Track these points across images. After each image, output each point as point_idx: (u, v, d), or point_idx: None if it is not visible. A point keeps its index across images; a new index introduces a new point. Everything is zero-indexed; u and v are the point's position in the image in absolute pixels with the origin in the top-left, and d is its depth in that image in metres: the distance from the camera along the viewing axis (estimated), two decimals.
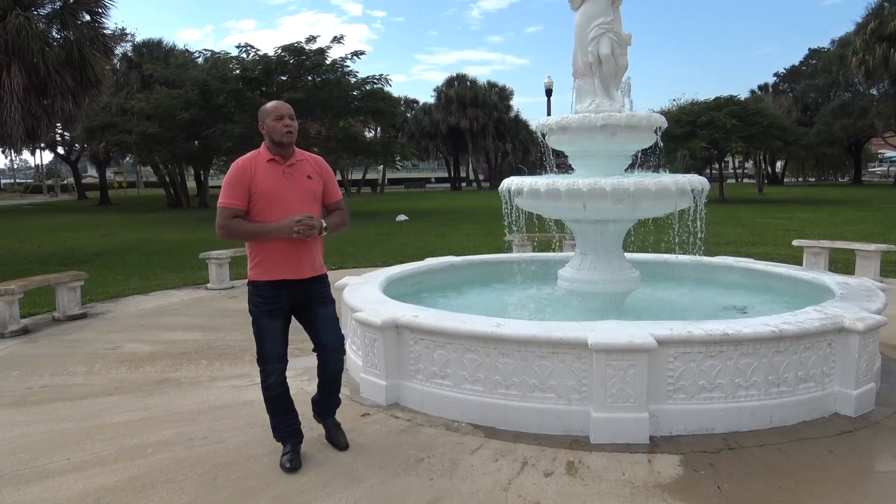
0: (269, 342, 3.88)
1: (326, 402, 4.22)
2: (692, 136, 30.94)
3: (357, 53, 26.99)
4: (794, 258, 10.72)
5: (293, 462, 3.88)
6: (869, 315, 4.65)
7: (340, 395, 5.06)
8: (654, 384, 4.21)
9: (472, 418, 4.50)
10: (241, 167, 3.76)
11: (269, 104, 3.85)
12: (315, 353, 4.04)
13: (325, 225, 3.82)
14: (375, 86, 27.61)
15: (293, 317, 3.99)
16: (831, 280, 6.05)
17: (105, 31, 16.62)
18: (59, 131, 36.64)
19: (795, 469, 3.81)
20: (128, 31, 35.02)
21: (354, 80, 27.01)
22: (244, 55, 25.95)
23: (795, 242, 11.06)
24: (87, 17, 16.15)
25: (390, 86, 28.09)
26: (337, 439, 4.16)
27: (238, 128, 24.45)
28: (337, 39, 26.43)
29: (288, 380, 5.52)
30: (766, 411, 4.34)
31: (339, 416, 4.39)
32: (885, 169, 68.38)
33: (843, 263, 10.65)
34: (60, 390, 5.47)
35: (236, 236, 3.78)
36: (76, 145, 45.35)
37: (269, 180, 3.74)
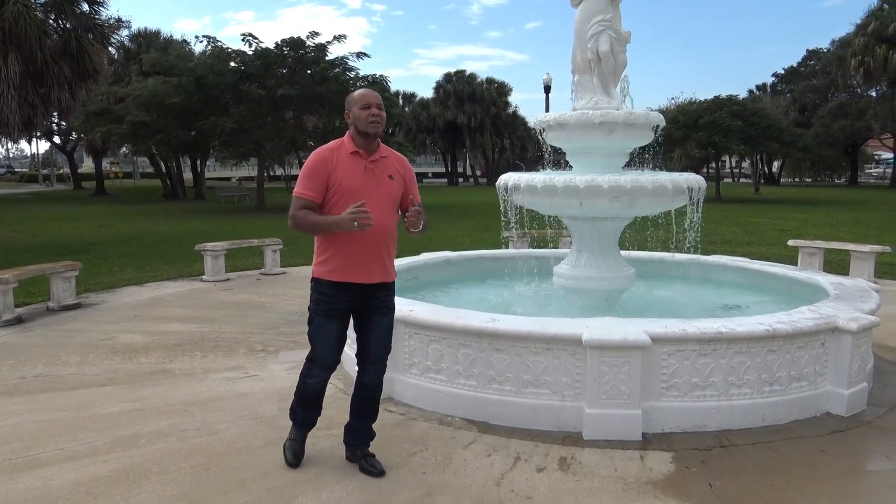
0: (322, 346, 3.65)
1: (360, 426, 3.83)
2: (690, 136, 31.01)
3: (360, 55, 26.90)
4: (790, 258, 10.75)
5: (297, 456, 3.78)
6: (862, 315, 4.67)
7: (332, 386, 5.07)
8: (648, 381, 4.22)
9: (466, 413, 4.51)
10: (323, 157, 3.54)
11: (357, 92, 3.62)
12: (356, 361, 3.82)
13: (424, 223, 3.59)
14: (375, 84, 27.53)
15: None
16: (826, 280, 6.07)
17: (101, 21, 16.54)
18: (56, 121, 36.49)
19: (787, 467, 3.83)
20: (123, 20, 34.67)
21: (354, 75, 26.94)
22: (246, 46, 25.80)
23: (791, 242, 11.08)
24: (86, 7, 16.09)
25: (390, 83, 27.98)
26: (372, 465, 3.74)
27: (230, 122, 24.34)
28: (338, 38, 26.35)
29: (283, 372, 5.55)
30: (759, 410, 4.36)
31: (333, 409, 4.39)
32: (882, 170, 68.55)
33: (837, 264, 10.69)
34: (54, 380, 5.46)
35: (302, 228, 3.56)
36: (72, 135, 45.19)
37: (350, 175, 3.51)
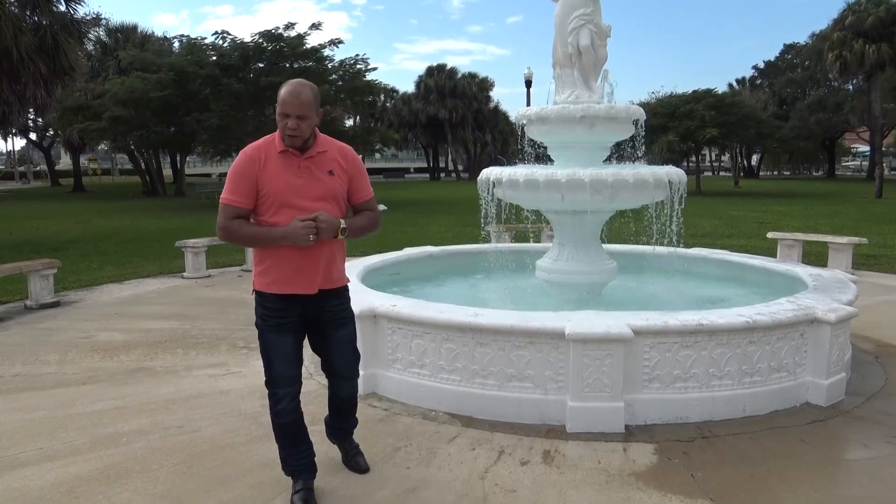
0: (279, 362, 3.25)
1: (340, 424, 3.72)
2: (668, 127, 31.33)
3: (335, 42, 26.78)
4: (769, 250, 10.85)
5: (308, 503, 3.32)
6: (840, 306, 4.73)
7: (316, 382, 5.06)
8: (630, 374, 4.25)
9: (450, 407, 4.51)
10: (249, 157, 3.13)
11: (283, 91, 3.11)
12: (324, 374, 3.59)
13: (342, 226, 3.17)
14: (356, 67, 27.42)
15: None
16: (804, 272, 6.13)
17: (78, 18, 16.35)
18: (32, 117, 36.06)
19: (767, 457, 3.87)
20: (102, 17, 34.34)
21: (331, 64, 26.85)
22: (220, 41, 25.63)
23: (770, 235, 11.20)
24: (63, 5, 15.88)
25: (368, 60, 27.81)
26: (356, 463, 3.68)
27: (215, 118, 24.19)
28: (315, 26, 26.22)
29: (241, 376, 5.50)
30: (740, 400, 4.40)
31: (316, 404, 4.37)
32: (859, 163, 69.36)
33: (816, 256, 10.81)
34: (32, 379, 5.39)
35: (237, 240, 3.21)
36: (49, 131, 44.64)
37: (280, 175, 3.10)
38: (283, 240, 3.07)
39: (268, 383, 3.32)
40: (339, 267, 3.35)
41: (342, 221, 3.18)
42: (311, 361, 5.55)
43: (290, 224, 3.06)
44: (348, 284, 3.46)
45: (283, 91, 3.12)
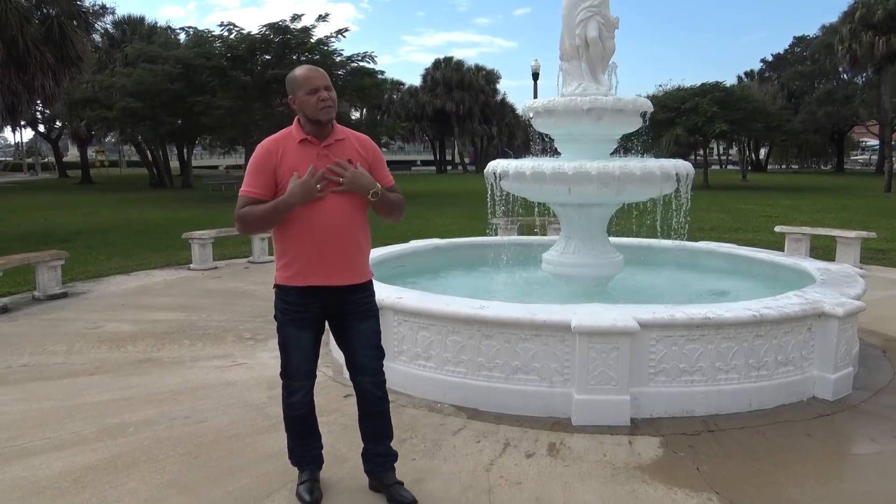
0: (296, 357, 3.25)
1: (375, 449, 3.40)
2: (675, 122, 31.19)
3: (342, 31, 26.77)
4: (776, 244, 10.79)
5: (313, 494, 3.30)
6: (848, 300, 4.71)
7: (321, 374, 5.05)
8: (636, 367, 4.24)
9: (455, 399, 4.51)
10: (267, 150, 3.11)
11: (299, 72, 3.13)
12: (348, 376, 3.44)
13: (377, 189, 3.11)
14: (360, 63, 27.44)
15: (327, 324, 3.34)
16: (812, 266, 6.10)
17: (85, 8, 16.38)
18: (40, 108, 36.14)
19: (773, 451, 3.86)
20: (108, 6, 34.36)
21: (339, 58, 26.83)
22: (226, 33, 25.65)
23: (777, 229, 11.14)
24: None
25: (375, 62, 27.84)
26: (402, 495, 3.29)
27: (225, 101, 24.23)
28: (322, 18, 26.22)
29: (272, 360, 5.52)
30: (746, 394, 4.39)
31: (323, 395, 4.38)
32: (867, 157, 68.92)
33: (823, 250, 10.75)
34: (40, 369, 5.42)
35: (254, 221, 3.11)
36: (57, 123, 44.76)
37: (300, 166, 3.05)
38: (292, 200, 3.00)
39: (283, 374, 3.32)
40: (364, 259, 3.26)
41: (377, 183, 3.14)
42: None
43: (290, 182, 3.02)
44: (372, 279, 3.37)
45: (301, 71, 3.13)
